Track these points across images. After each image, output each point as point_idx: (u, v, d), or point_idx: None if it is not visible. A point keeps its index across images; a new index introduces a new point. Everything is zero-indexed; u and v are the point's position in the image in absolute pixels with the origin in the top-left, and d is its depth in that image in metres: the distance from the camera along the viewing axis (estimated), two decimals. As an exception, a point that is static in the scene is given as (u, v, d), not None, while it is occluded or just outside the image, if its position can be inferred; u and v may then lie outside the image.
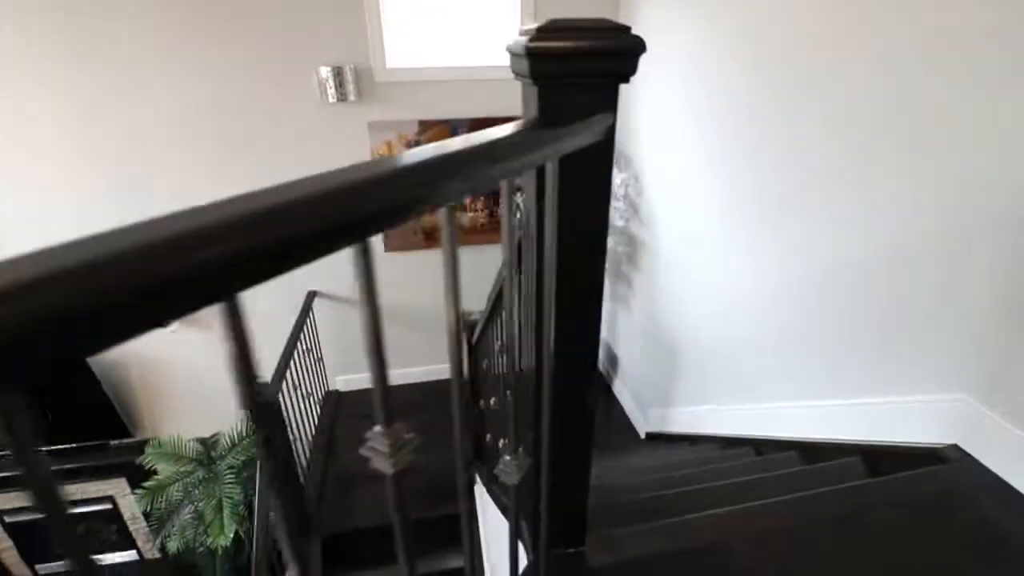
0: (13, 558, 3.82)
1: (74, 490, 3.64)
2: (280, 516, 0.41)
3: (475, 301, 3.28)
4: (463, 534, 0.62)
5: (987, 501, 1.08)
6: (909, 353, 1.34)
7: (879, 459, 1.39)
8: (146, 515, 3.33)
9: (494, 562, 1.92)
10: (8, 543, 3.77)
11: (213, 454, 3.18)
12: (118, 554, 3.94)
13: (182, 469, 3.01)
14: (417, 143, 2.93)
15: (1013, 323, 1.10)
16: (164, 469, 3.05)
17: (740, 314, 2.04)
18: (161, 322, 0.26)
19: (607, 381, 3.66)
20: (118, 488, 3.64)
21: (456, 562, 2.81)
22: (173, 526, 2.93)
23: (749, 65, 1.83)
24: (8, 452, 0.25)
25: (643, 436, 3.08)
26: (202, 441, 3.21)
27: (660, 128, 2.56)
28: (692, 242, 2.36)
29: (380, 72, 2.79)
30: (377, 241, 3.19)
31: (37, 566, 3.88)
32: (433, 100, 2.90)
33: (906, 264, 1.32)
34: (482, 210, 3.21)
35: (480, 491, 2.13)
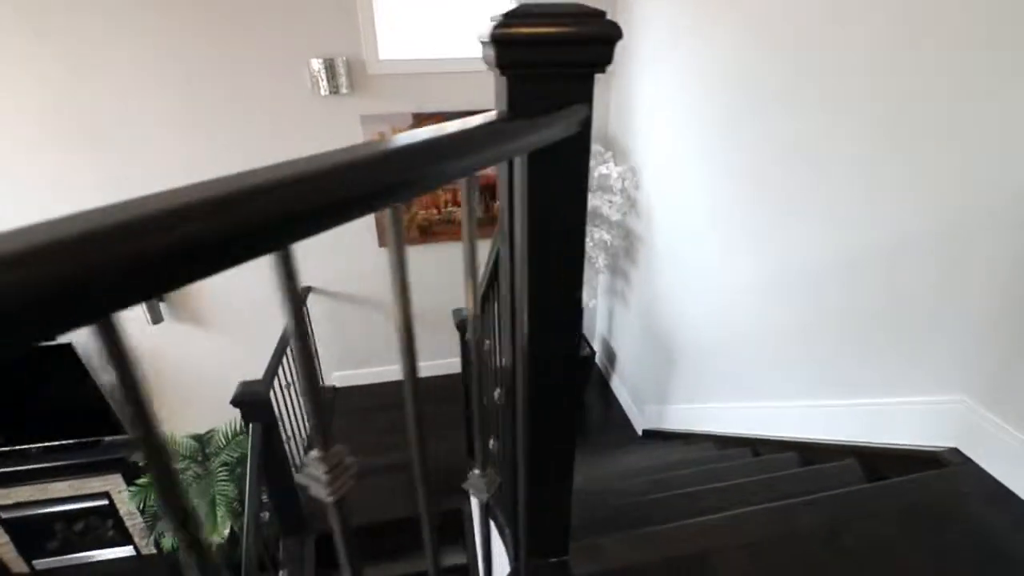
0: (11, 553, 3.83)
1: (70, 486, 3.64)
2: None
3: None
4: (427, 559, 0.59)
5: (987, 509, 1.05)
6: (908, 353, 1.30)
7: (877, 461, 1.36)
8: (141, 511, 3.32)
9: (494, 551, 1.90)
10: (5, 539, 3.78)
11: (207, 450, 3.17)
12: (115, 549, 3.95)
13: (179, 465, 2.99)
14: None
15: (1015, 323, 1.06)
16: (158, 466, 3.03)
17: (737, 311, 2.00)
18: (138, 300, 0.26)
19: (605, 377, 3.63)
20: (114, 484, 3.64)
21: (449, 560, 2.80)
22: (166, 526, 2.92)
23: (749, 60, 1.77)
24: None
25: (640, 433, 3.05)
26: (196, 437, 3.20)
27: (658, 121, 2.51)
28: (689, 237, 2.32)
29: (373, 64, 2.74)
30: (371, 237, 3.15)
31: (34, 561, 3.90)
32: (427, 92, 2.85)
33: (906, 262, 1.27)
34: (477, 204, 3.16)
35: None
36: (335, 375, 3.56)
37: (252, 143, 2.76)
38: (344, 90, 2.71)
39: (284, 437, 2.57)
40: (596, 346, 3.76)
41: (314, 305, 3.23)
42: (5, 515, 3.69)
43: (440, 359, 3.50)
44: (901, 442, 1.31)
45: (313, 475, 0.38)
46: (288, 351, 2.79)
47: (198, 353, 3.27)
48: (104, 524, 3.83)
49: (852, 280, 1.43)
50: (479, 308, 0.62)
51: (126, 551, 3.93)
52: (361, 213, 0.38)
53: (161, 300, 3.14)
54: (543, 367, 0.69)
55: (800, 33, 1.53)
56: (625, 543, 1.02)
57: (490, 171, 2.86)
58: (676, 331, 2.53)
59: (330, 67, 2.66)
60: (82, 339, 3.11)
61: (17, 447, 3.46)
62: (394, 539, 2.72)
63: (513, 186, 0.60)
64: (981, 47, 1.06)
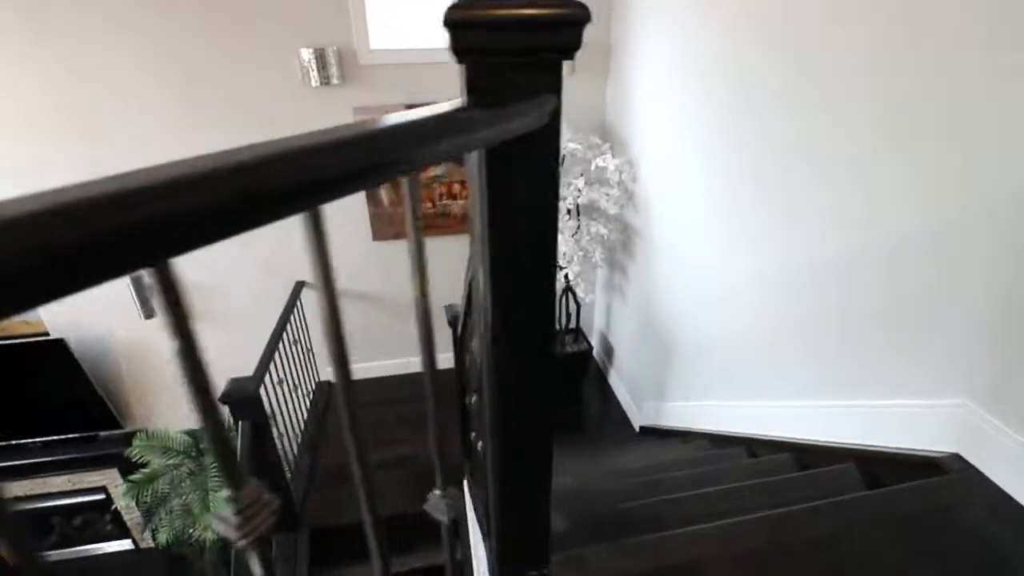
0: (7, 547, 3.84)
1: (68, 480, 3.64)
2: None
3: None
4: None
5: (990, 518, 1.00)
6: (908, 354, 1.26)
7: (876, 465, 1.31)
8: (139, 504, 3.32)
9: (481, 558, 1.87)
10: (4, 532, 3.79)
11: (202, 446, 3.15)
12: (113, 543, 3.96)
13: (169, 462, 2.98)
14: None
15: (1018, 325, 1.01)
16: (152, 461, 3.02)
17: (735, 308, 1.95)
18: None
19: (603, 372, 3.59)
20: (111, 479, 3.64)
21: (443, 558, 2.77)
22: (161, 519, 2.91)
23: (749, 57, 1.71)
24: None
25: (637, 430, 3.01)
26: (190, 433, 3.18)
27: (657, 114, 2.44)
28: (688, 233, 2.27)
29: (364, 54, 2.68)
30: (366, 231, 3.10)
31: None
32: (420, 83, 2.79)
33: (906, 262, 1.22)
34: (473, 198, 3.11)
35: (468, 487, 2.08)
36: (329, 370, 3.53)
37: (240, 136, 2.67)
38: (335, 81, 2.65)
39: (277, 433, 2.55)
40: (594, 341, 3.72)
41: (308, 300, 3.19)
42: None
43: (439, 354, 3.47)
44: (900, 446, 1.27)
45: (223, 517, 0.33)
46: (281, 346, 2.76)
47: (192, 348, 3.25)
48: (102, 518, 3.84)
49: (851, 280, 1.38)
50: (466, 305, 0.59)
51: (124, 544, 3.94)
52: (276, 215, 0.34)
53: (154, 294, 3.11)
54: (512, 377, 0.65)
55: (800, 31, 1.47)
56: (612, 553, 0.98)
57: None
58: (674, 327, 2.48)
59: (320, 57, 2.60)
60: (75, 335, 3.09)
61: (14, 442, 3.45)
62: (390, 535, 2.70)
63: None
64: (981, 47, 1.02)
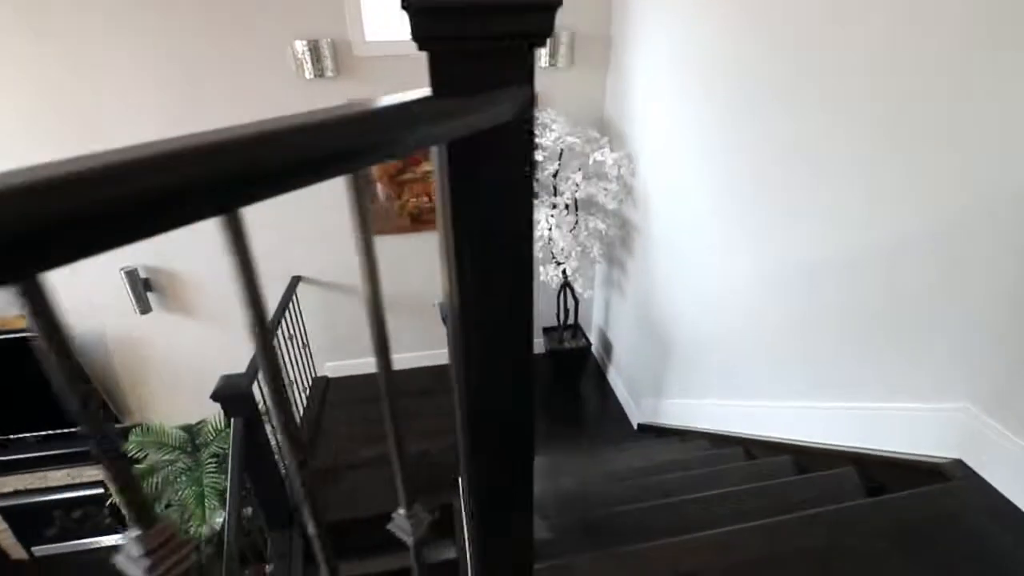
0: (9, 540, 3.86)
1: (67, 474, 3.64)
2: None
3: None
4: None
5: (993, 527, 0.96)
6: (909, 356, 1.21)
7: (875, 470, 1.27)
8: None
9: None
10: (4, 526, 3.80)
11: (197, 441, 3.14)
12: (113, 536, 3.97)
13: (165, 457, 2.97)
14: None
15: (1022, 328, 0.97)
16: (148, 457, 3.02)
17: (733, 306, 1.91)
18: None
19: (602, 368, 3.56)
20: (109, 473, 3.64)
21: (441, 555, 2.76)
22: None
23: (748, 55, 1.66)
24: None
25: (635, 427, 2.98)
26: (186, 428, 3.17)
27: (656, 109, 2.39)
28: (686, 229, 2.22)
29: (359, 46, 2.63)
30: (361, 224, 3.06)
31: (33, 548, 3.93)
32: (417, 76, 2.72)
33: (906, 263, 1.18)
34: (470, 192, 3.06)
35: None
36: (327, 365, 3.51)
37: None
38: (329, 73, 2.61)
39: (271, 429, 2.53)
40: (593, 337, 3.68)
41: (304, 295, 3.17)
42: (4, 503, 3.71)
43: (436, 348, 3.45)
44: (901, 450, 1.23)
45: (129, 555, 0.30)
46: (277, 342, 2.74)
47: (187, 343, 3.23)
48: (101, 512, 3.85)
49: (851, 279, 1.34)
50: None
51: (124, 538, 3.94)
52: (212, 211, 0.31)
53: (149, 289, 3.09)
54: (485, 400, 0.61)
55: (800, 31, 1.43)
56: (601, 563, 0.95)
57: None
58: (673, 324, 2.45)
59: (314, 49, 2.55)
60: (71, 330, 3.07)
61: (13, 436, 3.46)
62: (386, 532, 2.69)
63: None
64: (982, 47, 0.98)
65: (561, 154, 2.69)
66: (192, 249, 3.00)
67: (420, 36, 0.45)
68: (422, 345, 3.42)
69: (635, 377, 3.02)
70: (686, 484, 1.46)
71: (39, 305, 0.26)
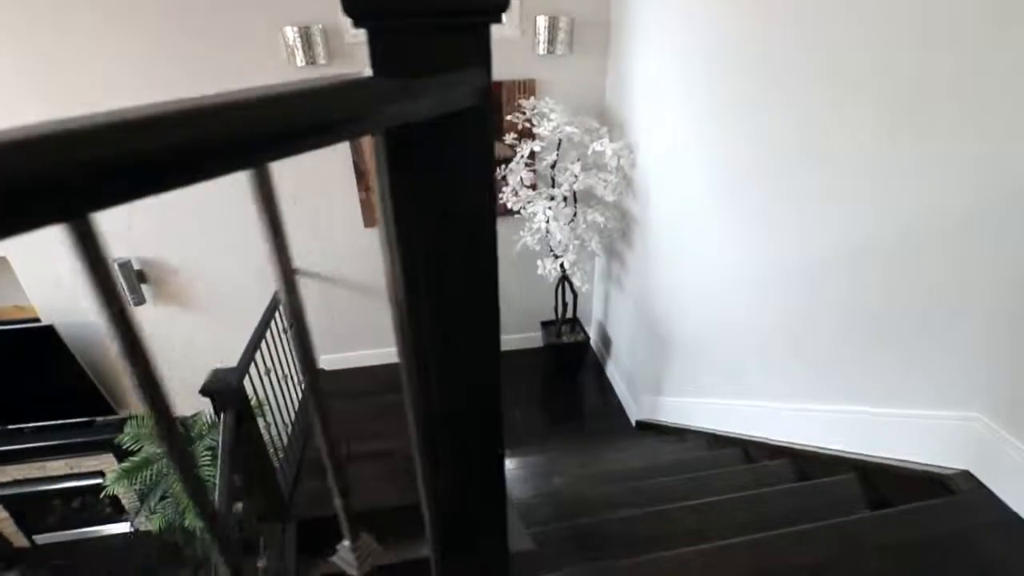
0: (10, 528, 3.88)
1: (66, 464, 3.65)
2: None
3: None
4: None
5: (1003, 545, 0.91)
6: (913, 360, 1.15)
7: (878, 479, 1.22)
8: (136, 489, 3.31)
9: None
10: (4, 514, 3.82)
11: (192, 434, 3.12)
12: (111, 526, 3.98)
13: (159, 450, 2.95)
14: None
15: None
16: (143, 449, 3.00)
17: (733, 303, 1.84)
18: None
19: (601, 363, 3.51)
20: (107, 463, 3.64)
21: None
22: (151, 507, 2.90)
23: (754, 42, 1.57)
24: None
25: (634, 424, 2.93)
26: (181, 421, 3.15)
27: (658, 97, 2.30)
28: (686, 222, 2.15)
29: (351, 32, 2.56)
30: (358, 217, 3.01)
31: (34, 536, 3.95)
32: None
33: (913, 258, 1.11)
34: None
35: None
36: (323, 358, 3.48)
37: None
38: (322, 60, 2.54)
39: (265, 423, 2.50)
40: (592, 331, 3.63)
41: (300, 286, 3.12)
42: (4, 492, 3.72)
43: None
44: (906, 459, 1.17)
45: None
46: (271, 336, 2.70)
47: (182, 335, 3.21)
48: (100, 501, 3.86)
49: (852, 277, 1.27)
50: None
51: (123, 527, 3.96)
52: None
53: (143, 281, 3.06)
54: (445, 407, 0.56)
55: (806, 19, 1.34)
56: (582, 577, 0.90)
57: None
58: (672, 320, 2.38)
59: (306, 36, 2.48)
60: (65, 321, 3.05)
61: (10, 427, 3.46)
62: (384, 526, 2.67)
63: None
64: (994, 35, 0.91)
65: (559, 144, 2.61)
66: (186, 241, 2.96)
67: (354, 11, 0.39)
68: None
69: (634, 373, 2.97)
70: (682, 488, 1.41)
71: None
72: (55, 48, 2.40)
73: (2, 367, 3.18)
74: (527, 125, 2.59)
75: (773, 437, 1.64)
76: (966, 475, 1.03)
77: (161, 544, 3.33)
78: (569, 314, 3.20)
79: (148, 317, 3.10)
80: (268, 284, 2.52)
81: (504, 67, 2.71)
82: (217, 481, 2.23)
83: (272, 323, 2.71)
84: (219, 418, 2.17)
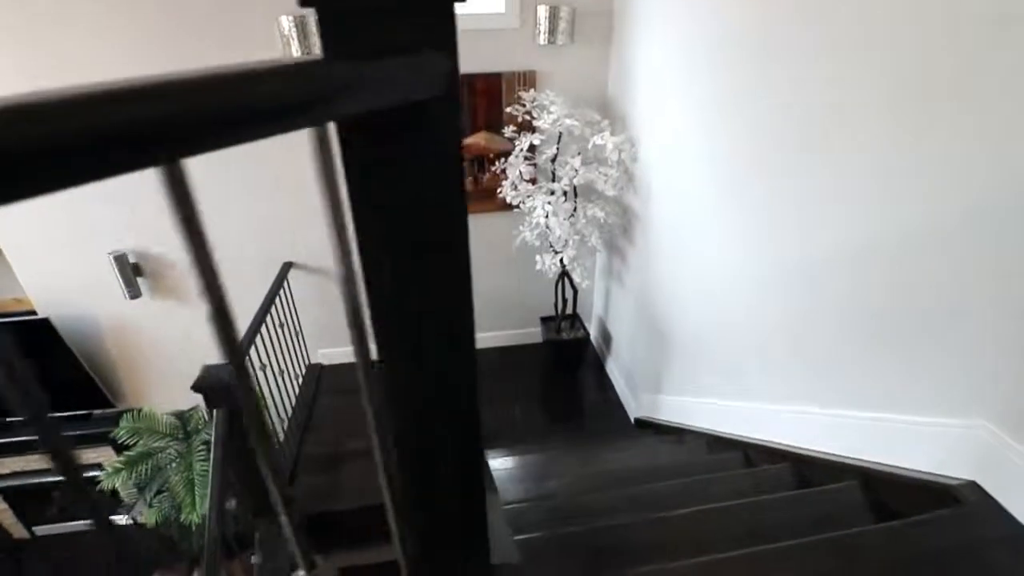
0: (9, 519, 3.89)
1: (63, 457, 3.65)
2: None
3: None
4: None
5: (1012, 560, 0.87)
6: (917, 364, 1.11)
7: (881, 487, 1.18)
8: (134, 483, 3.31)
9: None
10: (4, 506, 3.83)
11: (189, 428, 3.10)
12: (112, 518, 3.99)
13: (155, 444, 2.94)
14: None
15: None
16: (139, 443, 2.99)
17: (734, 301, 1.80)
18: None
19: (601, 359, 3.47)
20: (105, 456, 3.63)
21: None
22: (147, 501, 2.89)
23: (758, 33, 1.51)
24: None
25: (632, 421, 2.90)
26: (178, 415, 3.13)
27: (661, 89, 2.25)
28: (687, 217, 2.10)
29: (348, 21, 2.50)
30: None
31: (34, 527, 3.96)
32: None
33: (915, 259, 1.06)
34: (466, 176, 2.95)
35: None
36: (320, 352, 3.45)
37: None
38: (317, 51, 2.48)
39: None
40: (592, 327, 3.59)
41: (295, 280, 3.09)
42: (3, 484, 3.73)
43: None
44: (910, 466, 1.13)
45: None
46: (267, 330, 2.67)
47: (178, 328, 3.18)
48: (99, 493, 3.86)
49: (853, 278, 1.23)
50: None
51: (122, 519, 3.96)
52: None
53: (139, 274, 3.03)
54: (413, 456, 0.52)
55: (810, 9, 1.28)
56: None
57: (480, 141, 2.56)
58: (672, 317, 2.34)
59: (301, 26, 2.43)
60: (61, 314, 3.03)
61: (9, 419, 3.45)
62: (378, 525, 2.65)
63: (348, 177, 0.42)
64: (994, 35, 0.86)
65: (560, 138, 2.56)
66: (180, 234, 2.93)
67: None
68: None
69: (634, 370, 2.93)
70: (678, 494, 1.37)
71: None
72: (54, 47, 2.37)
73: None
74: (527, 118, 2.54)
75: (774, 440, 1.60)
76: (972, 485, 0.99)
77: (159, 538, 3.33)
78: (569, 310, 3.16)
79: (144, 310, 3.08)
80: (265, 277, 2.49)
81: (503, 58, 2.65)
82: (210, 476, 2.21)
83: (268, 318, 2.68)
84: (211, 414, 2.15)
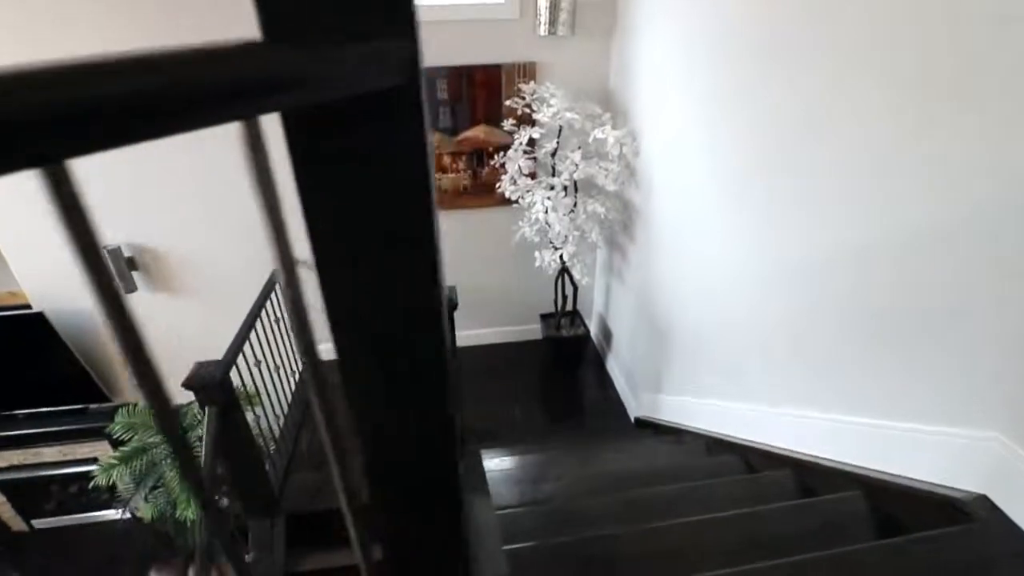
0: (8, 513, 3.89)
1: (60, 451, 3.64)
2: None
3: (457, 273, 3.05)
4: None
5: (1021, 581, 0.82)
6: (924, 370, 1.06)
7: (886, 498, 1.13)
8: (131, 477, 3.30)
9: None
10: (2, 499, 3.83)
11: (184, 424, 3.08)
12: (109, 512, 3.98)
13: (150, 440, 2.91)
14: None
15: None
16: (133, 439, 2.97)
17: (735, 300, 1.75)
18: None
19: (601, 356, 3.43)
20: (101, 450, 3.63)
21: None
22: (143, 497, 2.87)
23: (761, 24, 1.45)
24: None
25: (632, 420, 2.86)
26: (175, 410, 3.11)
27: (664, 81, 2.19)
28: (689, 214, 2.05)
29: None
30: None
31: (33, 521, 3.96)
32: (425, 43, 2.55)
33: (919, 257, 1.01)
34: (464, 170, 2.90)
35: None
36: (319, 348, 3.42)
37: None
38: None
39: (254, 415, 2.45)
40: (592, 324, 3.55)
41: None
42: (2, 476, 3.73)
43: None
44: (917, 477, 1.09)
45: None
46: (262, 326, 2.64)
47: (174, 324, 3.16)
48: (96, 487, 3.85)
49: (857, 278, 1.18)
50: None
51: (117, 513, 3.96)
52: None
53: (134, 268, 3.00)
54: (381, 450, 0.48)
55: (816, 5, 1.23)
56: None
57: (479, 135, 2.50)
58: (673, 317, 2.29)
59: (296, 14, 2.38)
60: (56, 308, 3.01)
61: (4, 413, 3.45)
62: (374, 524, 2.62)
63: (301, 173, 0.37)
64: (995, 35, 0.82)
65: (560, 131, 2.51)
66: (176, 227, 2.90)
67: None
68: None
69: (635, 368, 2.89)
70: (674, 500, 1.33)
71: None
72: (55, 46, 2.33)
73: (-5, 353, 3.16)
74: (527, 111, 2.48)
75: (774, 444, 1.56)
76: (982, 500, 0.95)
77: (155, 533, 3.32)
78: (569, 307, 3.12)
79: (140, 305, 3.05)
80: (260, 272, 2.46)
81: (503, 50, 2.59)
82: (202, 477, 2.18)
83: (263, 312, 2.64)
84: (203, 412, 2.12)
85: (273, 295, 2.80)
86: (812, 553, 0.90)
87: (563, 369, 3.35)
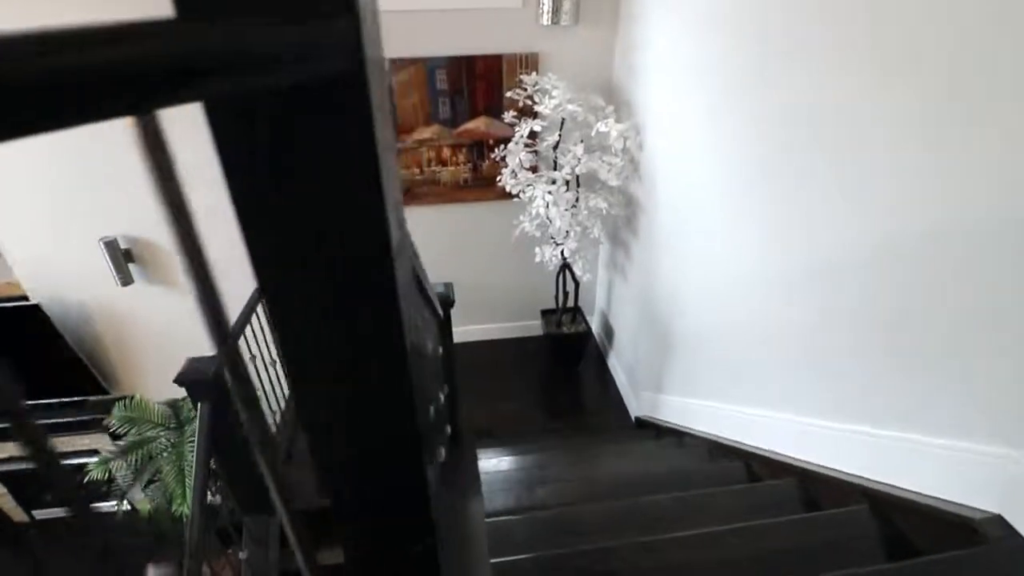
0: (9, 503, 3.91)
1: (59, 443, 3.64)
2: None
3: (457, 269, 3.00)
4: None
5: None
6: (938, 381, 1.00)
7: (894, 513, 1.08)
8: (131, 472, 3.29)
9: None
10: (3, 489, 3.84)
11: (181, 417, 3.06)
12: (110, 503, 3.99)
13: (148, 433, 2.90)
14: (388, 88, 2.55)
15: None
16: (133, 431, 2.95)
17: (740, 301, 1.69)
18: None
19: (603, 353, 3.38)
20: (100, 442, 3.62)
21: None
22: (140, 491, 2.86)
23: (772, 10, 1.39)
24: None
25: (633, 420, 2.81)
26: (171, 403, 3.09)
27: (668, 72, 2.12)
28: (693, 211, 1.98)
29: None
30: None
31: (34, 511, 3.97)
32: (407, 35, 2.49)
33: (941, 260, 0.95)
34: (464, 163, 2.84)
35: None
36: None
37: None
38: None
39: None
40: (594, 320, 3.49)
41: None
42: (2, 467, 3.73)
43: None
44: (926, 493, 1.03)
45: None
46: (259, 322, 2.60)
47: (171, 316, 3.13)
48: (96, 479, 3.86)
49: (867, 282, 1.12)
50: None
51: (114, 505, 3.97)
52: None
53: (131, 260, 2.97)
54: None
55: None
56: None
57: (479, 127, 2.43)
58: (674, 314, 2.24)
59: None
60: (52, 300, 2.98)
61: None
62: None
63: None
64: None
65: (562, 124, 2.44)
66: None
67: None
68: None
69: (636, 367, 2.83)
70: (672, 511, 1.28)
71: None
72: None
73: (-4, 346, 3.14)
74: (528, 103, 2.42)
75: (778, 451, 1.51)
76: (996, 520, 0.90)
77: (151, 528, 3.32)
78: (570, 303, 3.06)
79: (136, 297, 3.03)
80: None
81: (504, 39, 2.53)
82: (194, 470, 2.16)
83: (259, 307, 2.61)
84: (196, 409, 2.10)
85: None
86: (820, 575, 0.85)
87: (564, 366, 3.30)
